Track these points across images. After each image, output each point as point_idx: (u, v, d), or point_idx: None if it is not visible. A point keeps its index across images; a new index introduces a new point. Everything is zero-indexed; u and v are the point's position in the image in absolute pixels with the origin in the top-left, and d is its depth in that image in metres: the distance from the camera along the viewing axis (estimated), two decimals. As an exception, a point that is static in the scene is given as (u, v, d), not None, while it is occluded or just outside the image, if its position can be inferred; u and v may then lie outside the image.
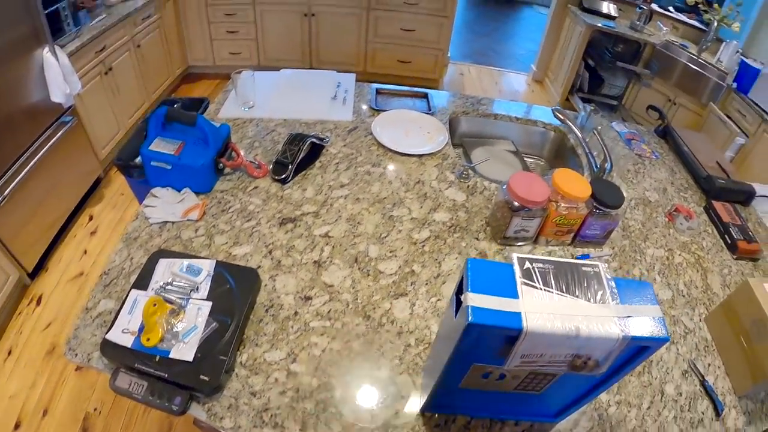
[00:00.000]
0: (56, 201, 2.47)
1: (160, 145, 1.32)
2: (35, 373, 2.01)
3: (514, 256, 0.69)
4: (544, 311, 0.63)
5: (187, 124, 1.32)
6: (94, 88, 2.72)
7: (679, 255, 1.51)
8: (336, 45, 4.09)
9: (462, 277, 0.68)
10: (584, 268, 0.70)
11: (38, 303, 2.26)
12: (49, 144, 2.30)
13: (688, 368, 1.22)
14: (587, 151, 1.66)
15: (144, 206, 1.28)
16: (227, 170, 1.39)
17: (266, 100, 1.73)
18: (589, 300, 0.66)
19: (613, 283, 0.69)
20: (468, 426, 0.93)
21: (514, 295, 0.65)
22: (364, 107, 1.80)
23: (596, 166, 1.66)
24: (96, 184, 2.86)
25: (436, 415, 0.93)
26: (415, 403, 0.94)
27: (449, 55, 4.90)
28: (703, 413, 1.13)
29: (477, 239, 1.33)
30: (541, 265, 0.69)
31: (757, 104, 3.55)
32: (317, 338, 1.01)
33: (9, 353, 2.07)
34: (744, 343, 1.17)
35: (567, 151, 1.98)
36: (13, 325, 2.17)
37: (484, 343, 0.66)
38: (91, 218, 2.72)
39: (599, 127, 2.03)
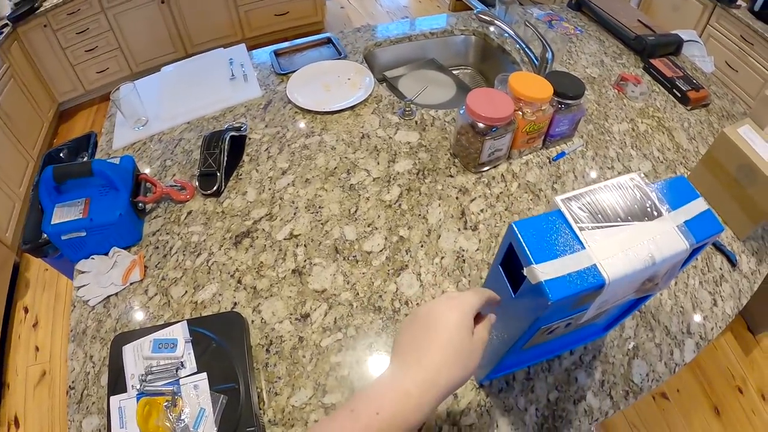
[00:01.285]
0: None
1: (62, 215, 1.08)
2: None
3: (558, 200, 0.60)
4: (617, 251, 0.55)
5: (82, 176, 1.08)
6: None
7: (642, 123, 1.49)
8: (205, 22, 3.73)
9: (505, 248, 0.59)
10: (626, 185, 0.63)
11: (17, 425, 2.02)
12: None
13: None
14: (524, 46, 1.55)
15: (76, 288, 1.07)
16: (150, 207, 1.18)
17: (159, 108, 1.48)
18: (646, 219, 0.59)
19: (657, 192, 0.62)
20: (528, 376, 0.89)
21: (580, 246, 0.55)
22: (269, 76, 1.59)
23: (536, 59, 1.58)
24: (15, 272, 2.56)
25: (495, 382, 0.87)
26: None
27: None
28: (721, 268, 1.14)
29: (451, 176, 1.23)
30: (588, 200, 0.60)
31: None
32: (337, 357, 0.87)
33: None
34: (735, 189, 1.20)
35: (494, 52, 1.89)
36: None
37: (560, 308, 0.57)
38: (26, 310, 2.43)
39: (513, 21, 1.95)
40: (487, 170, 1.26)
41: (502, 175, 1.26)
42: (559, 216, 0.58)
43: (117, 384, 0.83)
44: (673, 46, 1.91)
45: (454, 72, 1.91)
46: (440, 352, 0.50)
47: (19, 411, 2.08)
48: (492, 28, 1.90)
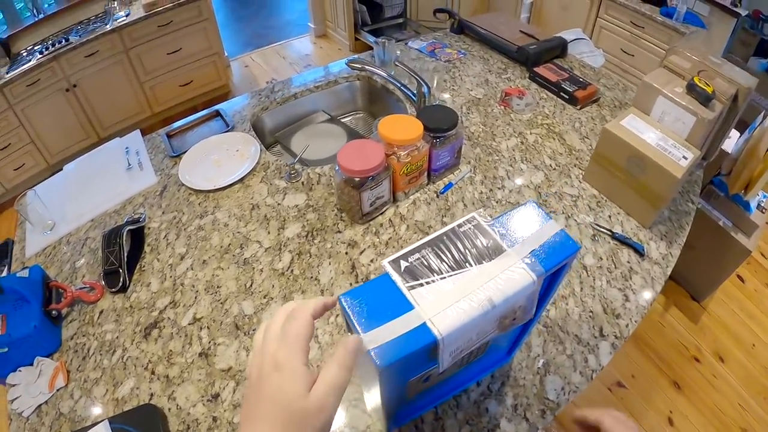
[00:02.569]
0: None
1: (-20, 335, 1.15)
2: None
3: (385, 263, 0.61)
4: (448, 304, 0.56)
5: (-8, 296, 1.15)
6: None
7: (531, 134, 1.53)
8: (113, 103, 3.74)
9: (345, 318, 0.60)
10: (462, 229, 0.63)
11: None
12: None
13: (594, 230, 1.26)
14: (399, 85, 1.63)
15: (10, 402, 1.12)
16: (66, 311, 1.24)
17: (64, 210, 1.54)
18: (484, 260, 0.60)
19: (499, 227, 0.63)
20: (437, 416, 0.93)
21: (408, 306, 0.57)
22: (164, 159, 1.65)
23: (414, 96, 1.64)
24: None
25: (404, 427, 0.91)
26: (378, 427, 0.92)
27: (227, 54, 4.68)
28: (628, 262, 1.18)
29: (339, 232, 1.30)
30: (417, 255, 0.61)
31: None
32: (246, 429, 0.95)
33: None
34: (630, 181, 1.25)
35: (380, 93, 1.95)
36: None
37: (408, 366, 0.61)
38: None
39: (398, 54, 2.05)
40: (375, 218, 1.32)
41: (390, 220, 1.32)
42: (389, 279, 0.59)
43: None
44: (557, 50, 1.97)
45: (347, 119, 2.01)
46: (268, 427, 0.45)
47: None
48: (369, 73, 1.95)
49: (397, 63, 1.70)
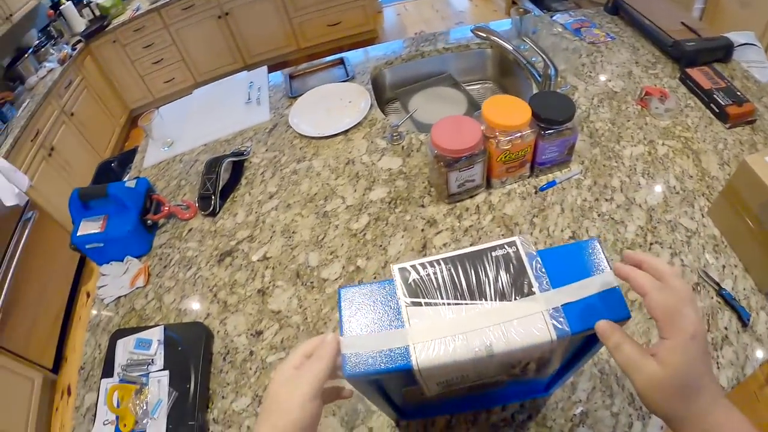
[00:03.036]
0: (52, 293, 2.50)
1: (86, 228, 1.28)
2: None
3: (394, 268, 0.55)
4: (439, 335, 0.49)
5: (100, 197, 1.28)
6: (44, 174, 2.71)
7: (663, 144, 1.34)
8: (261, 34, 3.94)
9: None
10: (495, 253, 0.54)
11: (69, 393, 2.31)
12: (21, 245, 2.30)
13: (699, 279, 1.06)
14: (524, 62, 1.50)
15: (97, 288, 1.25)
16: (161, 222, 1.35)
17: (183, 131, 1.66)
18: (505, 298, 0.51)
19: (538, 263, 0.53)
20: (449, 425, 0.86)
21: (400, 323, 0.52)
22: (282, 98, 1.70)
23: (539, 76, 1.50)
24: (83, 260, 2.87)
25: (413, 423, 0.88)
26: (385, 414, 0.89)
27: (379, 0, 4.69)
28: (726, 328, 0.96)
29: (422, 206, 1.24)
30: (432, 270, 0.54)
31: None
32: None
33: (60, 450, 2.13)
34: (758, 231, 0.98)
35: (512, 66, 1.81)
36: (55, 423, 2.23)
37: (386, 379, 0.57)
38: (88, 295, 2.74)
39: (537, 28, 1.86)
40: (462, 201, 1.24)
41: (478, 206, 1.23)
42: (392, 287, 0.54)
43: (108, 370, 1.02)
44: (720, 52, 1.67)
45: (473, 87, 1.90)
46: None
47: (73, 382, 2.37)
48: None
49: (524, 38, 1.53)
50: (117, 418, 0.93)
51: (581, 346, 0.58)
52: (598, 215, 1.19)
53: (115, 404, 0.95)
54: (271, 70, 1.89)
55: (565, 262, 0.53)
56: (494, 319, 0.49)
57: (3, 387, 2.01)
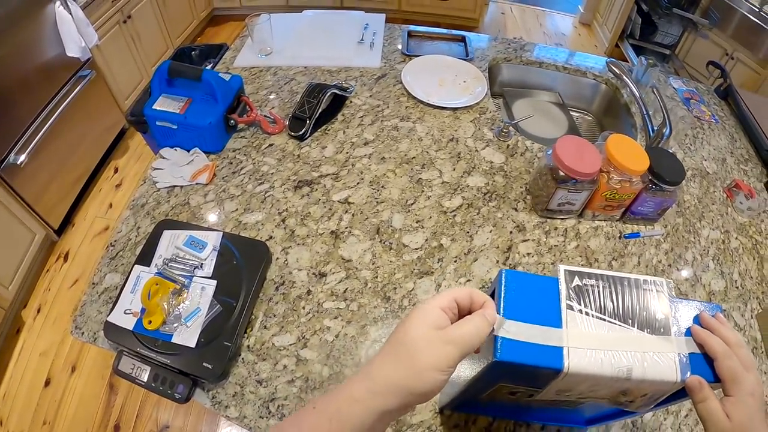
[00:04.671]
0: (80, 156, 2.42)
1: (164, 104, 1.20)
2: (63, 329, 2.02)
3: (561, 268, 0.56)
4: (592, 346, 0.51)
5: (192, 78, 1.19)
6: (113, 39, 2.61)
7: (736, 239, 1.35)
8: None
9: (494, 289, 0.55)
10: (645, 287, 0.57)
11: (65, 259, 2.25)
12: (68, 99, 2.22)
13: None
14: (644, 111, 1.47)
15: (152, 169, 1.18)
16: (241, 126, 1.27)
17: (286, 46, 1.58)
18: (647, 330, 0.54)
19: (676, 310, 0.57)
20: (490, 428, 0.84)
21: (557, 322, 0.52)
22: (395, 52, 1.62)
23: (652, 130, 1.47)
24: (121, 135, 2.79)
25: (455, 414, 0.84)
26: (432, 399, 0.84)
27: None
28: None
29: (515, 209, 1.19)
30: (593, 282, 0.56)
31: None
32: (330, 321, 0.91)
33: (38, 311, 2.09)
34: None
35: (619, 109, 1.78)
36: (41, 283, 2.18)
37: (515, 372, 0.54)
38: (116, 170, 2.67)
39: (655, 83, 1.82)
40: (553, 219, 1.22)
41: (566, 229, 1.20)
42: (555, 285, 0.56)
43: (145, 257, 0.93)
44: None
45: (575, 113, 1.86)
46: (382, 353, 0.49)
47: (72, 249, 2.31)
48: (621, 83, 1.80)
49: (653, 89, 1.52)
50: (143, 311, 0.85)
51: (668, 396, 0.60)
52: (667, 278, 1.16)
53: (147, 297, 0.87)
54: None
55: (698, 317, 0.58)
56: (636, 347, 0.53)
57: (4, 230, 1.94)
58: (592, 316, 0.53)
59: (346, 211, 1.09)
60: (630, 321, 0.54)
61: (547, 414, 0.83)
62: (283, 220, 1.06)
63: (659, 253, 1.25)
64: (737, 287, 1.23)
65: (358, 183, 1.15)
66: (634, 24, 4.09)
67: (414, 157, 1.24)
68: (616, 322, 0.54)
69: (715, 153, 1.64)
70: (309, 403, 0.49)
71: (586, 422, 0.83)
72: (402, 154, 1.25)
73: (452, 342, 0.47)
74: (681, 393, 0.57)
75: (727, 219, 1.39)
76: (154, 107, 1.19)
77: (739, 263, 1.28)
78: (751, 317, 1.19)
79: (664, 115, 1.42)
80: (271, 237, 1.02)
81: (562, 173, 1.09)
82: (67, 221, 2.37)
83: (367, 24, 1.72)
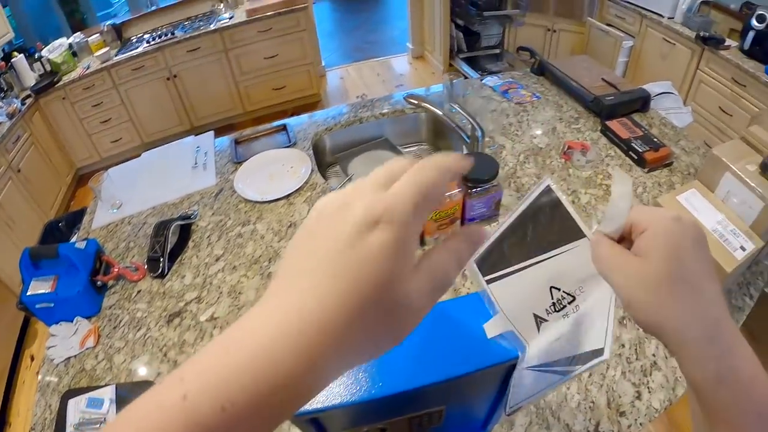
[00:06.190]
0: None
1: (36, 287, 1.34)
2: None
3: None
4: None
5: (51, 257, 1.34)
6: (-12, 231, 2.68)
7: (585, 193, 1.44)
8: (208, 97, 4.07)
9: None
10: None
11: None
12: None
13: (625, 314, 1.13)
14: (454, 125, 1.62)
15: (47, 348, 1.30)
16: (111, 283, 1.41)
17: (132, 194, 1.73)
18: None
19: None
20: None
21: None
22: (227, 163, 1.79)
23: (468, 138, 1.60)
24: (26, 323, 2.83)
25: None
26: None
27: (323, 64, 4.95)
28: (654, 355, 1.05)
29: None
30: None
31: (631, 3, 3.63)
32: None
33: None
34: None
35: (445, 129, 1.94)
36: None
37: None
38: (32, 359, 2.71)
39: (469, 92, 1.98)
40: None
41: None
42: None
43: (59, 430, 1.06)
44: (637, 103, 1.80)
45: (410, 149, 2.03)
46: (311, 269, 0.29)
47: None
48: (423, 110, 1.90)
49: (452, 103, 1.68)
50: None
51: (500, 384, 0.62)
52: None
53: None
54: (217, 133, 1.99)
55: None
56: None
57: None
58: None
59: (215, 327, 1.24)
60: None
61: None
62: (165, 354, 1.21)
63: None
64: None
65: (218, 298, 1.31)
66: (458, 40, 4.46)
67: (260, 256, 1.40)
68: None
69: (544, 127, 1.75)
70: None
71: (483, 425, 0.80)
72: (249, 256, 1.41)
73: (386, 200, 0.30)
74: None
75: (570, 180, 1.49)
76: (28, 293, 1.31)
77: (595, 215, 1.37)
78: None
79: (469, 120, 1.53)
80: (159, 373, 1.17)
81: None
82: (3, 422, 2.38)
83: (198, 146, 1.89)
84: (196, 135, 2.00)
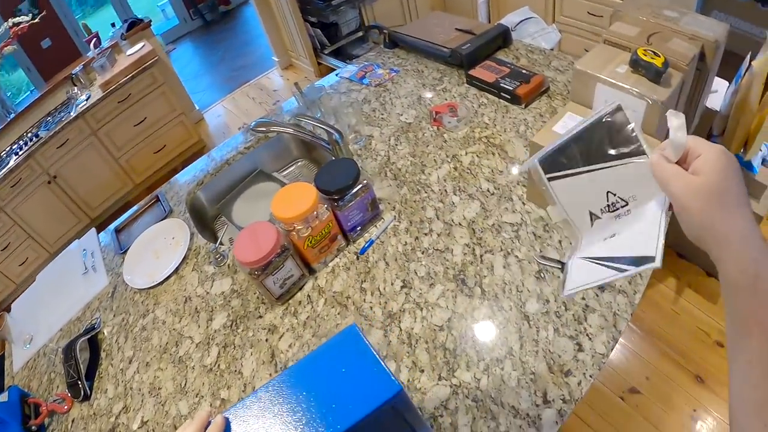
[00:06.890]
0: None
1: (-31, 454, 1.33)
2: None
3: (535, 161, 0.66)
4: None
5: (-26, 416, 1.33)
6: None
7: (467, 154, 1.38)
8: (95, 185, 3.96)
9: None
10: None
11: None
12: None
13: (539, 266, 1.08)
14: (311, 138, 1.59)
15: None
16: (46, 422, 1.41)
17: (38, 324, 1.71)
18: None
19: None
20: None
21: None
22: (115, 257, 1.74)
23: (328, 145, 1.56)
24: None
25: None
26: None
27: (197, 108, 4.85)
28: (583, 298, 1.02)
29: (260, 317, 1.31)
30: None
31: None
32: None
33: None
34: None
35: (314, 145, 1.85)
36: None
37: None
38: None
39: (323, 92, 1.90)
40: (293, 296, 1.28)
41: (308, 295, 1.27)
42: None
43: None
44: (498, 41, 1.73)
45: (289, 170, 1.99)
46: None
47: None
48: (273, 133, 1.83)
49: (299, 117, 1.62)
50: None
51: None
52: (422, 252, 1.26)
53: None
54: (113, 217, 1.91)
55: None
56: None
57: None
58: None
59: (147, 431, 1.25)
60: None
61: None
62: (119, 476, 1.22)
63: (401, 236, 1.28)
64: (492, 193, 1.23)
65: (142, 401, 1.30)
66: (318, 36, 4.41)
67: (167, 343, 1.39)
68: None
69: (408, 100, 1.70)
70: None
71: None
72: (157, 347, 1.39)
73: None
74: None
75: (448, 146, 1.43)
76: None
77: (481, 173, 1.30)
78: (524, 204, 1.19)
79: (321, 127, 1.50)
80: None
81: (254, 267, 1.15)
82: None
83: (84, 249, 1.85)
84: (97, 226, 1.95)
